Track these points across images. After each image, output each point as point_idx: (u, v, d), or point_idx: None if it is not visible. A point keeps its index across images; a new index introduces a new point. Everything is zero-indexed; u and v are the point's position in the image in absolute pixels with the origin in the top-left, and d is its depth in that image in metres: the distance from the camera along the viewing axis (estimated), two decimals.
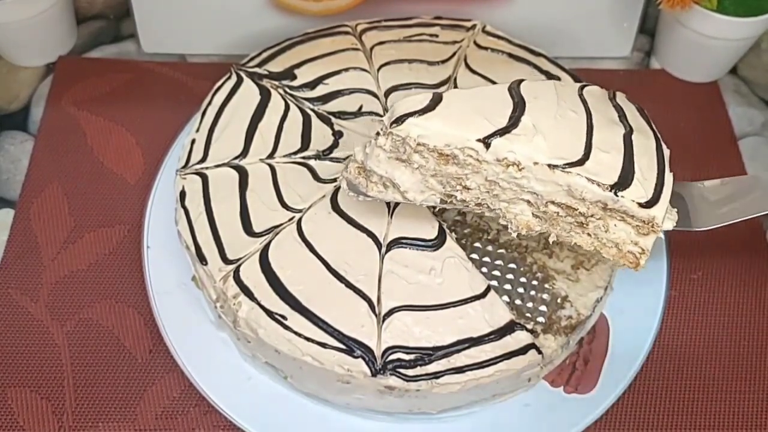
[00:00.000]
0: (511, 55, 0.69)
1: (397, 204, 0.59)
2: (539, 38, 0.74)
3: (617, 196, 0.49)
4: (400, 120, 0.50)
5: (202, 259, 0.57)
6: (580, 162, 0.49)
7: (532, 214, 0.52)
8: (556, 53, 0.71)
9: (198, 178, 0.61)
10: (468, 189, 0.52)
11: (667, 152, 0.53)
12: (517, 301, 0.59)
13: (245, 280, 0.55)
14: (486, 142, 0.49)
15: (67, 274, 0.65)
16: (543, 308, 0.59)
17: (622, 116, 0.54)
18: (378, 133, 0.51)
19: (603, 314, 0.61)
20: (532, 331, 0.56)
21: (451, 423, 0.57)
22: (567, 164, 0.49)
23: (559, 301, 0.59)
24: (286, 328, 0.53)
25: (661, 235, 0.50)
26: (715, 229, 0.56)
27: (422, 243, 0.57)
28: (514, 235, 0.53)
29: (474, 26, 0.72)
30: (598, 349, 0.60)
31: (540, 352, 0.54)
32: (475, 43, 0.70)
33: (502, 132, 0.50)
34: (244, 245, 0.57)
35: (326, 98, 0.66)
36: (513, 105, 0.51)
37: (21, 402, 0.59)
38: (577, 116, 0.52)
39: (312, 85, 0.67)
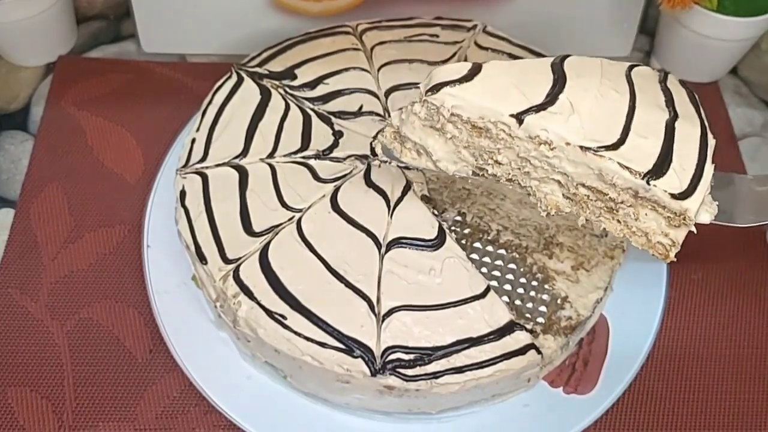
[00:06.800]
0: (511, 56, 0.69)
1: (397, 204, 0.59)
2: (539, 38, 0.74)
3: (649, 184, 0.47)
4: (435, 88, 0.49)
5: (202, 259, 0.57)
6: (615, 146, 0.47)
7: (563, 195, 0.50)
8: (555, 53, 0.71)
9: (198, 178, 0.61)
10: (500, 164, 0.51)
11: (712, 142, 0.50)
12: (517, 302, 0.59)
13: (245, 279, 0.55)
14: (519, 117, 0.48)
15: (67, 273, 0.65)
16: (543, 309, 0.59)
17: (669, 101, 0.52)
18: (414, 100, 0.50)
19: (603, 315, 0.61)
20: (531, 332, 0.56)
21: (450, 423, 0.57)
22: (600, 147, 0.47)
23: (558, 301, 0.59)
24: (286, 327, 0.53)
25: (693, 229, 0.48)
26: (718, 230, 0.53)
27: (422, 243, 0.57)
28: (544, 214, 0.51)
29: (475, 26, 0.72)
30: (598, 350, 0.60)
31: (539, 353, 0.54)
32: (475, 43, 0.70)
33: (538, 108, 0.48)
34: (244, 245, 0.57)
35: (326, 98, 0.66)
36: (553, 81, 0.50)
37: (21, 402, 0.59)
38: (620, 97, 0.50)
39: (312, 84, 0.67)
